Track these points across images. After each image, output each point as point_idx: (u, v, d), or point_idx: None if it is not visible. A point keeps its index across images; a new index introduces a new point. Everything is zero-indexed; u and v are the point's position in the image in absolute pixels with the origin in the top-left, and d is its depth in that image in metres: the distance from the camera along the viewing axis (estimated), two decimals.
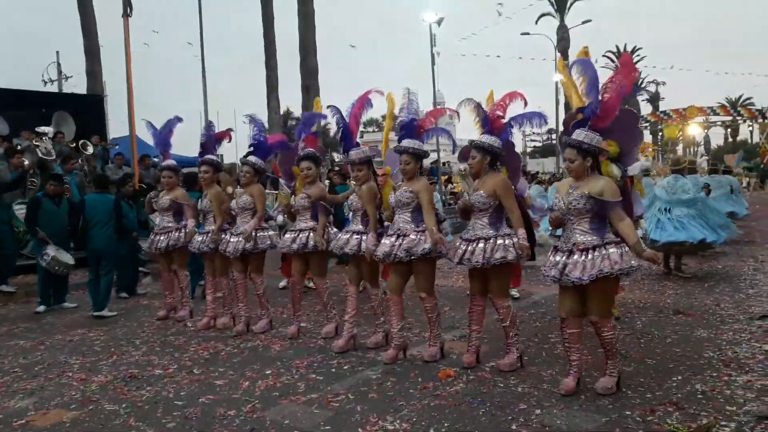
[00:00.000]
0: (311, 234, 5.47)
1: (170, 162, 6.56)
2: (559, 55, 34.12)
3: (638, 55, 47.66)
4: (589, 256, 3.77)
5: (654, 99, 52.69)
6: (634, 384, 4.09)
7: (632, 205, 5.53)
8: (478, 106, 4.64)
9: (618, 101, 4.14)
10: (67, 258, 7.30)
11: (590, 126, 3.95)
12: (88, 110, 14.35)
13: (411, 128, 4.85)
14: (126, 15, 12.02)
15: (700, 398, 3.82)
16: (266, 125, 6.26)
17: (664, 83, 55.02)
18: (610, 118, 4.07)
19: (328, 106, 5.54)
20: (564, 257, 3.88)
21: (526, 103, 4.64)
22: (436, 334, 4.86)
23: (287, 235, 5.63)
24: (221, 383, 4.50)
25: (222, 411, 3.93)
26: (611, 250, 3.76)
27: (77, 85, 23.47)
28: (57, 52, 28.10)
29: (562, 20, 39.18)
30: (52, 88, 24.71)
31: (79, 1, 19.14)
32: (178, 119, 6.60)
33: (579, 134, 3.92)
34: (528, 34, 33.90)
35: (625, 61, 4.97)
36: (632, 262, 3.76)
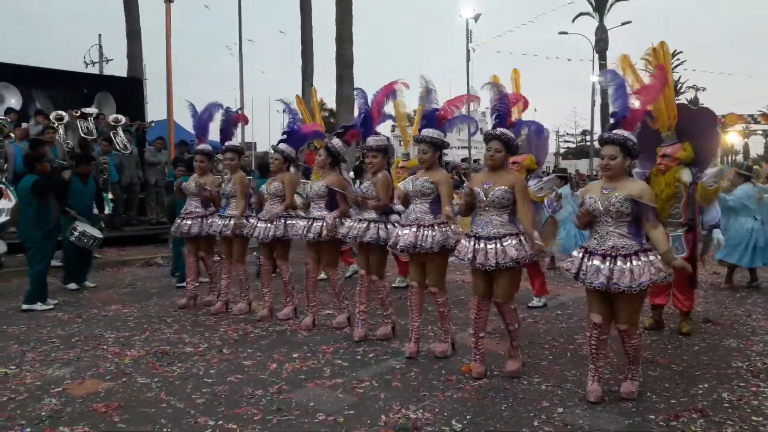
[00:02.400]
0: (324, 223, 5.41)
1: (204, 146, 6.53)
2: (597, 56, 33.68)
3: (677, 59, 46.71)
4: (635, 263, 3.66)
5: (693, 105, 51.62)
6: (659, 389, 4.08)
7: (697, 213, 5.34)
8: (502, 92, 4.51)
9: (643, 115, 4.17)
10: (95, 232, 7.47)
11: (621, 126, 3.90)
12: (127, 93, 14.66)
13: (432, 118, 4.81)
14: (169, 0, 12.25)
15: (726, 407, 3.79)
16: (300, 115, 6.31)
17: (704, 89, 53.82)
18: (632, 127, 4.01)
19: (356, 89, 5.62)
20: (607, 263, 3.71)
21: (525, 109, 4.64)
22: (447, 330, 4.84)
23: (300, 223, 5.57)
24: (249, 364, 4.61)
25: (249, 390, 4.04)
26: (652, 258, 3.70)
27: (118, 67, 23.99)
28: (99, 35, 28.77)
29: (601, 20, 38.57)
30: (94, 70, 25.29)
31: None
32: (219, 106, 6.57)
33: (622, 132, 3.83)
34: (566, 33, 33.48)
35: (660, 67, 4.86)
36: (669, 269, 3.73)
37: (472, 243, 4.25)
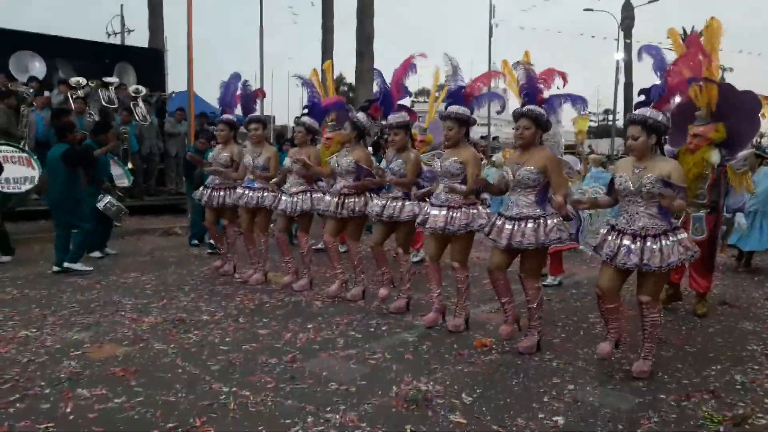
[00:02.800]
0: (357, 199, 5.46)
1: (227, 116, 6.48)
2: (622, 34, 32.99)
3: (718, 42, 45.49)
4: (664, 242, 3.70)
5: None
6: (672, 369, 4.07)
7: (722, 196, 5.27)
8: (530, 71, 4.37)
9: (686, 85, 4.04)
10: (120, 203, 7.58)
11: (654, 106, 3.84)
12: (148, 64, 14.69)
13: (458, 96, 4.77)
14: None
15: (738, 389, 3.78)
16: (318, 89, 6.27)
17: (731, 69, 52.53)
18: (670, 101, 3.96)
19: (373, 69, 5.58)
20: (638, 242, 3.74)
21: (565, 83, 4.48)
22: (462, 306, 4.87)
23: (328, 198, 5.61)
24: (264, 333, 4.68)
25: (264, 359, 4.11)
26: (681, 236, 3.75)
27: (140, 38, 24.04)
28: (121, 6, 28.80)
29: None
30: (115, 41, 25.38)
31: None
32: (238, 76, 6.55)
33: (644, 111, 3.81)
34: (591, 10, 32.79)
35: (692, 41, 4.75)
36: (695, 247, 3.81)
37: (494, 220, 4.33)
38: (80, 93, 11.44)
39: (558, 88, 4.47)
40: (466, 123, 4.73)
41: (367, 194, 5.55)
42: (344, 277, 5.86)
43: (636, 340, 4.33)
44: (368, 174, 5.39)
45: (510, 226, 4.18)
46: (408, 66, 5.44)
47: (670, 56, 4.59)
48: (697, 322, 5.23)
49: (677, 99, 4.07)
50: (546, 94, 4.37)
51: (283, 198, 5.93)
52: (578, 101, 4.44)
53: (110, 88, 12.16)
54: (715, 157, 5.10)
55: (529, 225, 4.12)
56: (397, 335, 4.70)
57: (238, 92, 6.48)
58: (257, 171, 6.06)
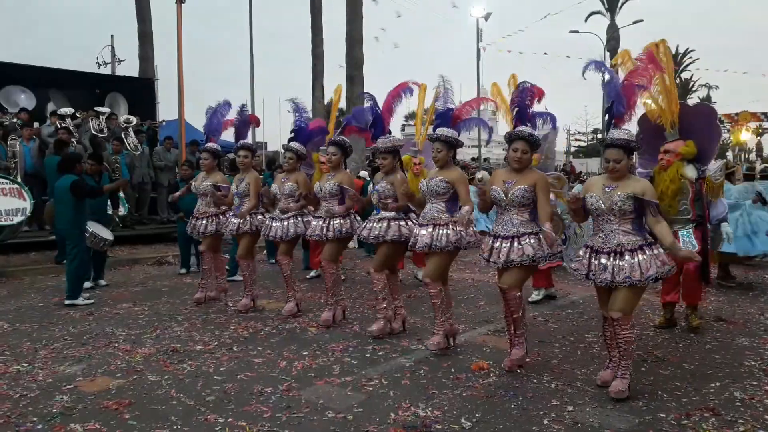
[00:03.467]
0: (342, 221, 5.45)
1: (210, 145, 6.55)
2: (608, 54, 33.46)
3: (690, 57, 46.37)
4: (641, 257, 3.71)
5: (706, 102, 51.21)
6: (670, 387, 4.05)
7: (706, 208, 5.37)
8: (523, 89, 4.41)
9: (633, 91, 4.08)
10: (106, 234, 7.49)
11: (614, 125, 3.93)
12: (139, 93, 14.77)
13: (446, 117, 4.82)
14: (180, 2, 12.32)
15: (737, 405, 3.76)
16: (310, 114, 6.34)
17: (716, 87, 53.29)
18: (630, 114, 4.04)
19: (365, 93, 5.66)
20: (613, 259, 3.77)
21: (540, 99, 4.53)
22: (440, 322, 4.80)
23: (315, 222, 5.59)
24: (259, 361, 4.63)
25: (259, 388, 4.05)
26: (656, 251, 3.75)
27: (130, 68, 24.16)
28: (111, 36, 28.93)
29: (612, 19, 38.39)
30: (106, 71, 25.47)
31: None
32: (228, 105, 6.59)
33: (622, 133, 3.84)
34: (577, 32, 33.35)
35: (648, 56, 4.75)
36: (672, 262, 3.79)
37: (490, 242, 4.33)
38: (70, 123, 11.44)
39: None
40: (454, 145, 4.78)
41: (352, 216, 5.56)
42: (345, 303, 5.86)
43: (633, 359, 4.30)
44: (353, 196, 5.41)
45: (507, 245, 4.20)
46: (398, 92, 5.50)
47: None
48: (694, 339, 5.22)
49: (634, 112, 4.10)
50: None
51: (274, 224, 5.91)
52: (554, 121, 4.58)
53: (101, 117, 12.17)
54: (690, 171, 5.23)
55: (532, 240, 4.17)
56: (393, 360, 4.66)
57: (229, 118, 6.52)
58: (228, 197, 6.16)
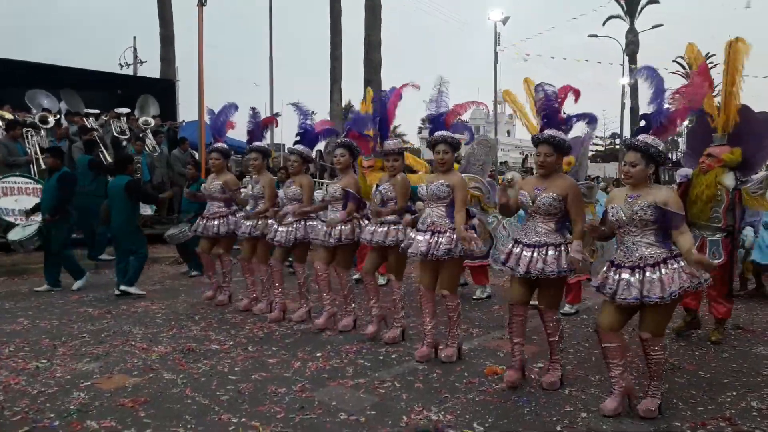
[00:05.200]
0: (344, 227, 5.39)
1: (219, 144, 6.55)
2: (627, 59, 33.21)
3: (711, 62, 45.59)
4: (664, 271, 3.50)
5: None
6: (686, 396, 4.01)
7: (738, 220, 5.20)
8: (548, 94, 4.24)
9: (685, 114, 3.94)
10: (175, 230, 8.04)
11: (653, 134, 3.74)
12: (160, 94, 14.94)
13: (439, 121, 4.78)
14: (201, 4, 12.43)
15: (755, 416, 3.71)
16: (328, 116, 6.38)
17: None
18: (673, 131, 3.87)
19: (379, 91, 5.67)
20: (635, 275, 3.56)
21: (577, 99, 4.38)
22: (455, 335, 4.75)
23: (319, 226, 5.56)
24: (273, 362, 4.66)
25: (273, 388, 4.08)
26: (683, 263, 3.52)
27: (152, 70, 24.46)
28: (134, 38, 29.40)
29: (631, 23, 38.08)
30: (128, 72, 25.84)
31: None
32: (235, 107, 6.64)
33: (645, 138, 3.69)
34: (596, 36, 33.15)
35: (701, 70, 4.72)
36: (705, 274, 3.54)
37: (510, 247, 4.21)
38: (94, 123, 11.63)
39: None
40: (457, 147, 4.74)
41: (355, 221, 5.49)
42: (332, 310, 5.72)
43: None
44: (355, 199, 5.38)
45: (529, 254, 4.03)
46: (400, 94, 5.52)
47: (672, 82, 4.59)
48: (711, 348, 5.16)
49: (675, 131, 3.97)
50: (563, 113, 4.30)
51: (279, 229, 5.85)
52: (592, 120, 4.40)
53: (122, 119, 12.34)
54: (729, 180, 5.05)
55: (551, 252, 3.98)
56: (406, 363, 4.66)
57: (230, 120, 6.55)
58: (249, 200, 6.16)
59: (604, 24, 39.04)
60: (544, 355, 4.71)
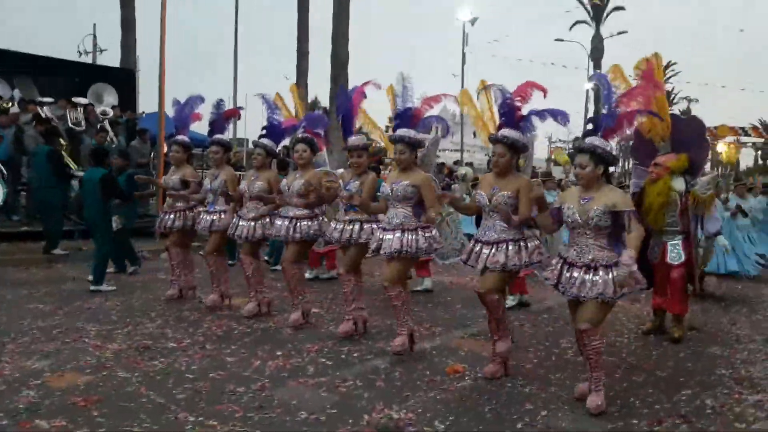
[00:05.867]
0: (309, 222, 5.36)
1: (181, 137, 6.43)
2: (592, 64, 33.86)
3: (672, 71, 46.97)
4: (615, 273, 3.59)
5: (683, 115, 51.92)
6: (643, 394, 4.07)
7: (690, 222, 5.41)
8: (503, 90, 4.32)
9: (632, 116, 4.01)
10: None
11: (602, 136, 3.82)
12: (120, 84, 14.55)
13: (406, 117, 4.74)
14: None
15: (709, 413, 3.80)
16: (293, 112, 6.25)
17: (696, 100, 54.03)
18: (620, 132, 3.95)
19: (342, 87, 5.58)
20: (586, 273, 3.66)
21: (545, 95, 4.37)
22: (401, 323, 4.75)
23: (279, 222, 5.47)
24: (232, 360, 4.56)
25: (232, 387, 4.00)
26: (633, 269, 3.57)
27: (112, 58, 23.83)
28: (94, 25, 28.59)
29: (597, 29, 38.83)
30: (87, 60, 25.11)
31: None
32: (201, 99, 6.53)
33: (593, 140, 3.78)
34: (561, 40, 33.67)
35: (646, 74, 4.86)
36: (644, 281, 3.74)
37: (471, 246, 4.31)
38: (48, 112, 11.24)
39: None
40: (417, 146, 4.71)
41: (320, 218, 5.46)
42: (308, 306, 5.68)
43: (606, 365, 4.33)
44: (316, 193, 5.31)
45: (488, 251, 4.15)
46: (363, 92, 5.45)
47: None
48: (668, 347, 5.27)
49: (627, 130, 4.05)
50: (525, 110, 4.30)
51: (241, 223, 5.76)
52: (559, 115, 4.40)
53: (78, 109, 11.96)
54: (679, 185, 5.31)
55: (511, 247, 4.10)
56: (368, 362, 4.63)
57: (197, 111, 6.45)
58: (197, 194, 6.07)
59: (570, 29, 39.76)
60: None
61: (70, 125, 11.57)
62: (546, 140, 46.51)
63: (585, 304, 3.70)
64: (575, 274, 3.70)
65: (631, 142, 5.91)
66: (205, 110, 6.47)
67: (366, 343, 5.11)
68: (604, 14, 39.13)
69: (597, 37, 37.85)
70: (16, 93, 12.36)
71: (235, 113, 6.85)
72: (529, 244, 4.15)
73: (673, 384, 4.31)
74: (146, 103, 19.30)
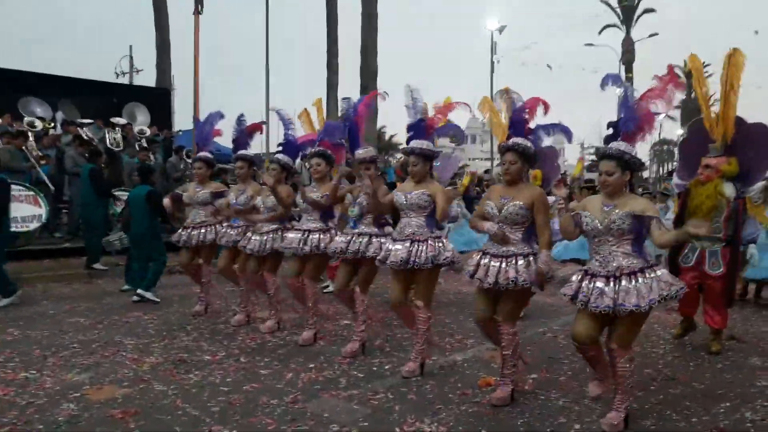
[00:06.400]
0: (321, 235, 5.33)
1: (203, 154, 6.49)
2: (623, 67, 33.38)
3: (706, 72, 45.87)
4: (641, 280, 3.42)
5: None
6: (680, 407, 3.99)
7: (740, 229, 5.20)
8: (515, 103, 4.25)
9: (652, 119, 3.77)
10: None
11: (622, 140, 3.65)
12: (156, 103, 14.98)
13: (419, 128, 4.66)
14: (197, 12, 12.48)
15: (748, 426, 3.70)
16: (298, 125, 6.18)
17: None
18: (641, 136, 3.74)
19: (343, 98, 5.48)
20: (610, 284, 3.47)
21: (546, 111, 4.33)
22: (420, 349, 4.58)
23: (292, 235, 5.45)
24: (266, 373, 4.63)
25: (265, 399, 4.05)
26: (659, 272, 3.48)
27: (148, 78, 24.45)
28: (130, 46, 29.40)
29: (627, 32, 38.26)
30: (124, 81, 25.86)
31: None
32: (220, 115, 6.63)
33: (619, 145, 3.60)
34: (592, 45, 33.29)
35: (668, 75, 4.55)
36: (680, 282, 3.57)
37: (478, 258, 4.06)
38: (90, 134, 11.63)
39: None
40: (431, 158, 4.64)
41: (333, 231, 5.42)
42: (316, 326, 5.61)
43: (642, 377, 4.26)
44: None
45: (497, 264, 3.92)
46: (369, 102, 5.42)
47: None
48: (705, 358, 5.14)
49: (647, 135, 3.81)
50: (532, 124, 4.26)
51: (253, 238, 5.77)
52: (566, 132, 4.38)
53: (116, 130, 12.33)
54: (729, 190, 5.06)
55: (520, 262, 3.89)
56: (399, 374, 4.62)
57: (216, 128, 6.53)
58: (237, 208, 6.02)
59: (599, 33, 39.25)
60: (537, 366, 4.72)
61: (109, 145, 11.93)
62: (579, 146, 45.92)
63: (615, 322, 3.52)
64: (599, 284, 3.50)
65: (682, 137, 5.66)
66: (225, 125, 6.58)
67: (397, 355, 5.12)
68: (635, 17, 38.55)
69: (627, 40, 37.29)
70: (59, 115, 12.81)
71: (258, 128, 6.83)
72: (533, 260, 3.93)
73: (711, 396, 4.21)
74: (182, 121, 19.76)
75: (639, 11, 38.45)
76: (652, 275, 3.45)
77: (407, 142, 4.71)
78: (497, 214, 3.99)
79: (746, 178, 5.13)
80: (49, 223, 10.20)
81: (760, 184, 5.30)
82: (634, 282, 3.43)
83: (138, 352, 5.17)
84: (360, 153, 5.08)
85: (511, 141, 4.08)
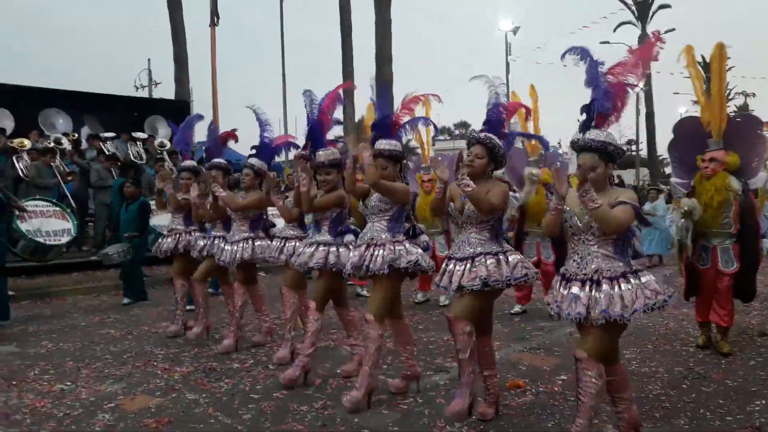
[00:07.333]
0: (297, 243, 5.04)
1: (188, 162, 6.21)
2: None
3: (726, 65, 45.25)
4: (624, 287, 3.04)
5: (742, 111, 49.83)
6: (714, 405, 3.94)
7: (758, 222, 5.11)
8: (496, 104, 3.85)
9: (625, 94, 3.31)
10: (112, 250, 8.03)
11: (595, 125, 3.22)
12: (175, 116, 15.15)
13: (384, 126, 4.20)
14: (213, 24, 12.65)
15: None
16: (273, 128, 5.90)
17: (753, 95, 51.94)
18: (616, 116, 3.30)
19: (304, 91, 4.86)
20: (587, 289, 3.09)
21: (527, 118, 4.25)
22: (363, 373, 4.00)
23: (276, 243, 5.26)
24: None
25: (295, 406, 4.08)
26: (644, 279, 3.09)
27: (167, 91, 24.80)
28: (148, 60, 29.88)
29: (643, 29, 37.87)
30: (143, 93, 26.25)
31: (170, 11, 20.23)
32: (198, 117, 6.65)
33: (598, 135, 3.16)
34: (608, 42, 32.96)
35: (642, 51, 3.57)
36: (670, 289, 3.14)
37: (444, 264, 3.78)
38: (111, 147, 11.85)
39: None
40: (400, 159, 4.21)
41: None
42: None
43: (673, 376, 4.20)
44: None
45: (462, 267, 3.61)
46: (335, 97, 4.81)
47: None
48: (738, 355, 5.07)
49: (622, 110, 3.34)
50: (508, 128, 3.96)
51: (227, 248, 5.51)
52: (541, 141, 4.24)
53: (138, 143, 12.55)
54: (736, 183, 4.98)
55: (490, 260, 3.58)
56: (428, 378, 4.64)
57: (208, 135, 6.20)
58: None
59: (615, 30, 38.90)
60: (566, 367, 4.69)
61: (132, 159, 12.14)
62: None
63: (588, 328, 3.12)
64: (574, 290, 3.13)
65: (672, 137, 5.54)
66: (250, 131, 6.35)
67: (424, 359, 5.12)
68: (650, 13, 38.15)
69: (643, 37, 36.90)
70: (85, 130, 13.09)
71: (231, 135, 6.36)
72: (510, 258, 3.62)
73: (745, 394, 4.15)
74: (201, 132, 19.94)
75: (654, 7, 38.05)
76: (636, 281, 3.08)
77: (372, 143, 4.18)
78: (459, 216, 3.70)
79: (744, 170, 5.09)
80: (77, 238, 10.38)
81: (762, 175, 5.20)
82: (617, 288, 3.05)
83: (168, 361, 5.24)
84: (320, 155, 4.55)
85: (482, 133, 3.73)
